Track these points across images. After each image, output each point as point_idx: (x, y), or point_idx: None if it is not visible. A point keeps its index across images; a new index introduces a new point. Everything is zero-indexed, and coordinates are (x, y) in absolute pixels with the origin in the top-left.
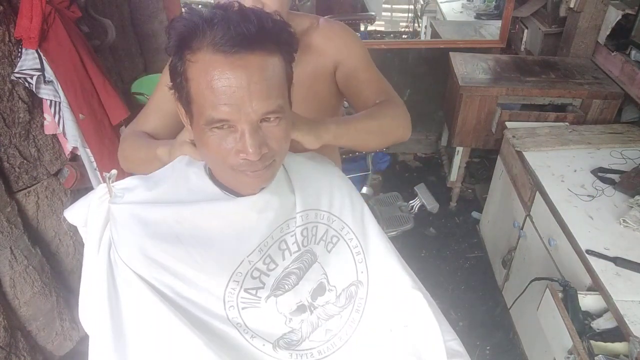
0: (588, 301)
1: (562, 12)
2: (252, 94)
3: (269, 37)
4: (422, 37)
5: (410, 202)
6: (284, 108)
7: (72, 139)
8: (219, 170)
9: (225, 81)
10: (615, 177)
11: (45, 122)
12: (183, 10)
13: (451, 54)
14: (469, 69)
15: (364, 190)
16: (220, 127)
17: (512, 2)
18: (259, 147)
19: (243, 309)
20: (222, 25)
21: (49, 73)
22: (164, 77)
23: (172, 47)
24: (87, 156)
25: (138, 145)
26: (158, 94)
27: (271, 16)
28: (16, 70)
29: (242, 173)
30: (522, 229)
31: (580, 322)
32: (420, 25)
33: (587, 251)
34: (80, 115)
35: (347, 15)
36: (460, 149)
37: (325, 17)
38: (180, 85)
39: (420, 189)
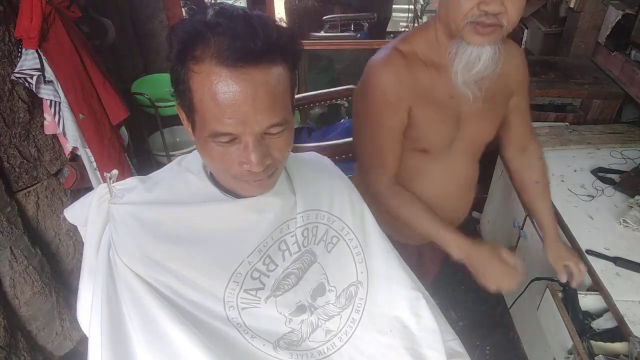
0: (588, 301)
1: (562, 12)
2: (257, 108)
3: (274, 50)
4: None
5: None
6: (288, 119)
7: (72, 139)
8: (221, 175)
9: (230, 95)
10: (615, 177)
11: (45, 122)
12: (183, 10)
13: None
14: None
15: None
16: (224, 140)
17: None
18: (263, 159)
19: (243, 309)
20: (227, 36)
21: (49, 73)
22: (382, 116)
23: (174, 54)
24: (87, 156)
25: (422, 217)
26: (383, 131)
27: (277, 26)
28: (16, 70)
29: (244, 182)
30: (522, 229)
31: (580, 322)
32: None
33: (587, 251)
34: (81, 115)
35: (347, 14)
36: None
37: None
38: (183, 93)
39: None
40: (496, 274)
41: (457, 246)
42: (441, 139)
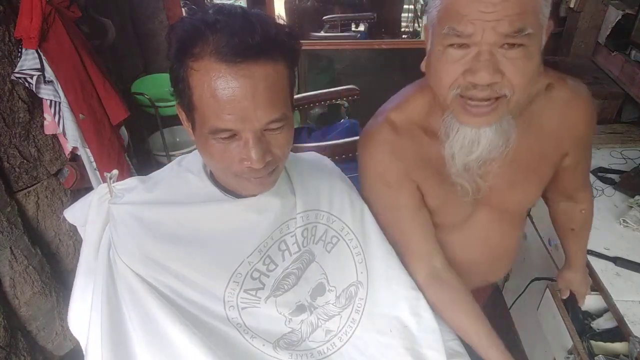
0: (588, 301)
1: (562, 12)
2: (256, 103)
3: (273, 46)
4: (422, 37)
5: None
6: (287, 115)
7: (72, 139)
8: (221, 174)
9: (230, 91)
10: (615, 177)
11: (45, 122)
12: (183, 10)
13: None
14: None
15: None
16: (224, 136)
17: None
18: (263, 156)
19: (243, 309)
20: (225, 32)
21: (49, 73)
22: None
23: (173, 52)
24: (87, 156)
25: (465, 315)
26: (398, 215)
27: (275, 23)
28: (16, 70)
29: (245, 179)
30: None
31: (580, 322)
32: (420, 25)
33: (587, 251)
34: (81, 115)
35: (347, 14)
36: None
37: (565, 76)
38: (183, 92)
39: None
40: None
41: None
42: (453, 216)
